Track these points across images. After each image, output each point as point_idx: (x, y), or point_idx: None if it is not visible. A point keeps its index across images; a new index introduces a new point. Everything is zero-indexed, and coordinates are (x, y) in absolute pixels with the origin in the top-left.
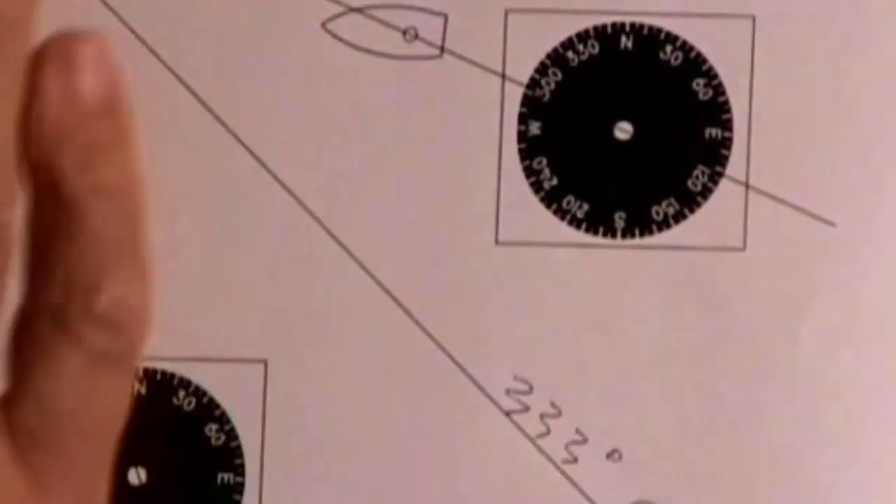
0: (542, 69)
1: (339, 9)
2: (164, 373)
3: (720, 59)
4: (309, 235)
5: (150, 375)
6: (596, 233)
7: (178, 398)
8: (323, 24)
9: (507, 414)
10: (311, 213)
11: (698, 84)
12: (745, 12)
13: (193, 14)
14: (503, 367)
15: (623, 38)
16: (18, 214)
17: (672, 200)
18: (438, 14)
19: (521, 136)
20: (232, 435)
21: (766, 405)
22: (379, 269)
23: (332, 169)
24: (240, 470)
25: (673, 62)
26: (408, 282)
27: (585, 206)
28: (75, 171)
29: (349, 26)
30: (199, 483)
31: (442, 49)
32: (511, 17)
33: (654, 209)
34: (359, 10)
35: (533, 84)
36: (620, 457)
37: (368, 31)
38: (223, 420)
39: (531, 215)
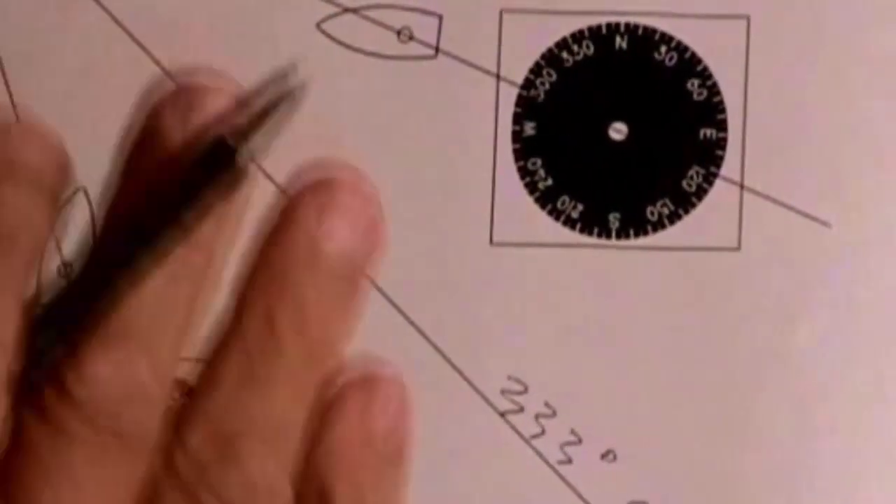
0: (536, 69)
1: (334, 9)
2: None
3: (715, 60)
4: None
5: None
6: (591, 233)
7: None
8: (317, 25)
9: (502, 414)
10: None
11: (693, 84)
12: (739, 13)
13: (187, 14)
14: (498, 368)
15: (618, 39)
16: None
17: (667, 201)
18: (433, 14)
19: (516, 137)
20: None
21: (761, 405)
22: (372, 269)
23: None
24: None
25: (668, 62)
26: (402, 281)
27: (580, 207)
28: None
29: (344, 26)
30: None
31: (437, 49)
32: (506, 18)
33: (648, 210)
34: (353, 11)
35: (528, 84)
36: (615, 457)
37: (363, 31)
38: None
39: (526, 216)
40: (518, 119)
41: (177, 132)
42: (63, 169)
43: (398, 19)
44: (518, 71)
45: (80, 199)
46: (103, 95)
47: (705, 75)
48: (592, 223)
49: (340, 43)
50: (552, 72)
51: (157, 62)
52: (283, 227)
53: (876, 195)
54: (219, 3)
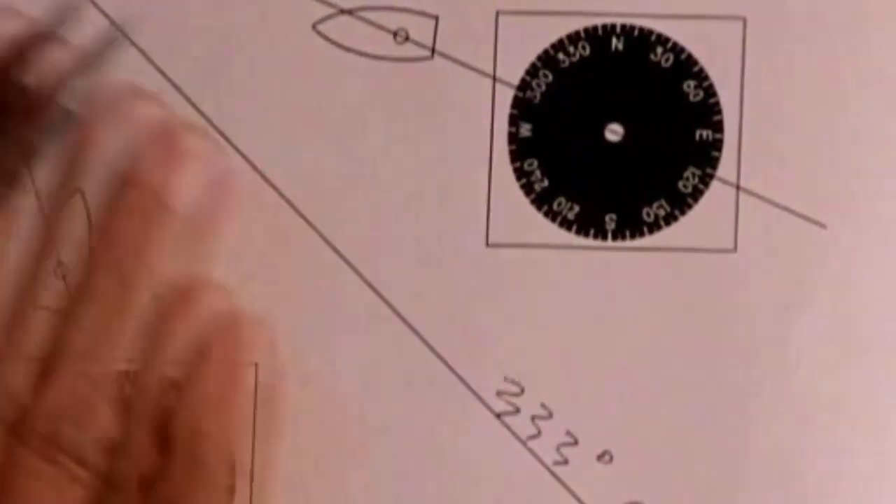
0: (532, 71)
1: (330, 10)
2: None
3: (711, 61)
4: (299, 237)
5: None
6: (587, 234)
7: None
8: (314, 26)
9: (498, 416)
10: (301, 215)
11: (689, 86)
12: (735, 14)
13: (184, 16)
14: (494, 369)
15: (614, 40)
16: None
17: (663, 202)
18: (429, 16)
19: (512, 138)
20: None
21: (757, 406)
22: (369, 271)
23: (322, 170)
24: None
25: (664, 64)
26: (398, 283)
27: (576, 208)
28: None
29: (340, 28)
30: None
31: (433, 51)
32: (502, 19)
33: (644, 211)
34: (349, 12)
35: (524, 86)
36: (611, 459)
37: (359, 32)
38: None
39: (522, 217)
40: (514, 120)
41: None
42: None
43: (394, 21)
44: (514, 72)
45: (78, 201)
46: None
47: (701, 76)
48: (588, 224)
49: (337, 44)
50: (548, 73)
51: (154, 63)
52: (126, 180)
53: (871, 196)
54: (216, 4)
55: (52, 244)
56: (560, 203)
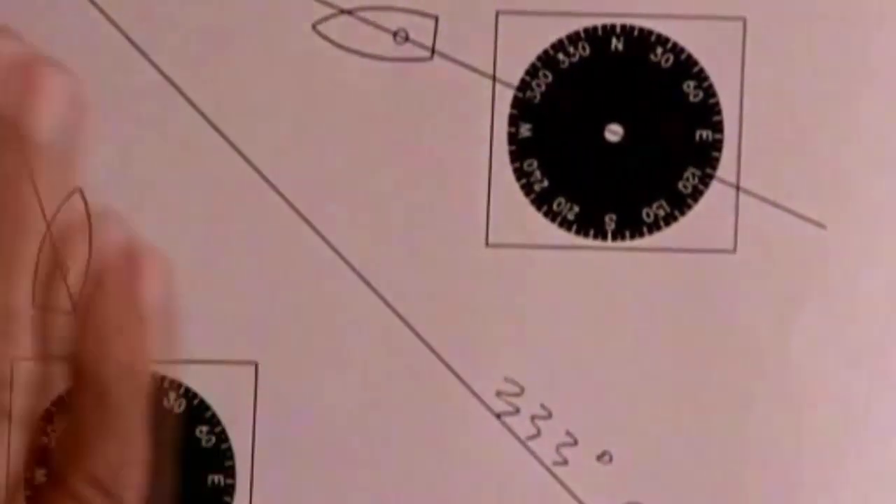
0: (532, 71)
1: (330, 10)
2: (153, 375)
3: (711, 61)
4: (299, 237)
5: None
6: (586, 235)
7: (168, 400)
8: (313, 26)
9: (498, 416)
10: (301, 215)
11: (689, 86)
12: (735, 14)
13: (184, 15)
14: (494, 370)
15: (614, 40)
16: None
17: (663, 202)
18: (429, 16)
19: (512, 138)
20: (222, 437)
21: (757, 407)
22: (369, 271)
23: (322, 170)
24: (230, 472)
25: (663, 64)
26: (398, 283)
27: (576, 208)
28: None
29: (340, 28)
30: (190, 485)
31: (433, 51)
32: (502, 19)
33: (644, 211)
34: (349, 12)
35: (523, 86)
36: (611, 459)
37: (359, 32)
38: (213, 422)
39: (522, 217)
40: (514, 121)
41: None
42: None
43: (394, 21)
44: (514, 72)
45: (77, 199)
46: (98, 97)
47: (701, 77)
48: (588, 225)
49: (336, 44)
50: (548, 73)
51: (154, 64)
52: None
53: (871, 197)
54: (215, 4)
55: None
56: (560, 203)
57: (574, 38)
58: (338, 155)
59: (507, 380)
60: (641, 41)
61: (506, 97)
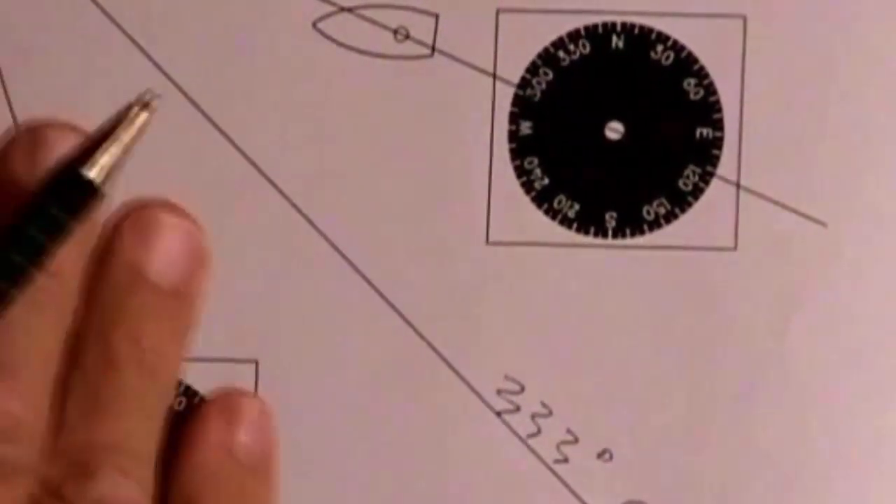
0: (533, 69)
1: (330, 8)
2: None
3: (711, 59)
4: (299, 235)
5: None
6: (587, 233)
7: None
8: (314, 24)
9: (498, 414)
10: (301, 213)
11: (689, 84)
12: (736, 12)
13: (184, 13)
14: (494, 367)
15: (614, 38)
16: None
17: (663, 200)
18: (429, 14)
19: (512, 136)
20: None
21: (757, 405)
22: (369, 269)
23: (322, 168)
24: None
25: (664, 62)
26: (398, 281)
27: (576, 206)
28: None
29: (340, 26)
30: None
31: (433, 49)
32: (502, 17)
33: (645, 209)
34: (349, 10)
35: (524, 84)
36: (611, 457)
37: (359, 30)
38: None
39: (522, 215)
40: (514, 118)
41: (25, 169)
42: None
43: (394, 18)
44: (514, 70)
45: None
46: (100, 95)
47: (702, 74)
48: (589, 222)
49: (336, 42)
50: (548, 71)
51: (154, 61)
52: (105, 258)
53: (872, 194)
54: (215, 2)
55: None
56: (560, 201)
57: (574, 36)
58: (338, 153)
59: (507, 378)
60: (642, 39)
61: (506, 95)
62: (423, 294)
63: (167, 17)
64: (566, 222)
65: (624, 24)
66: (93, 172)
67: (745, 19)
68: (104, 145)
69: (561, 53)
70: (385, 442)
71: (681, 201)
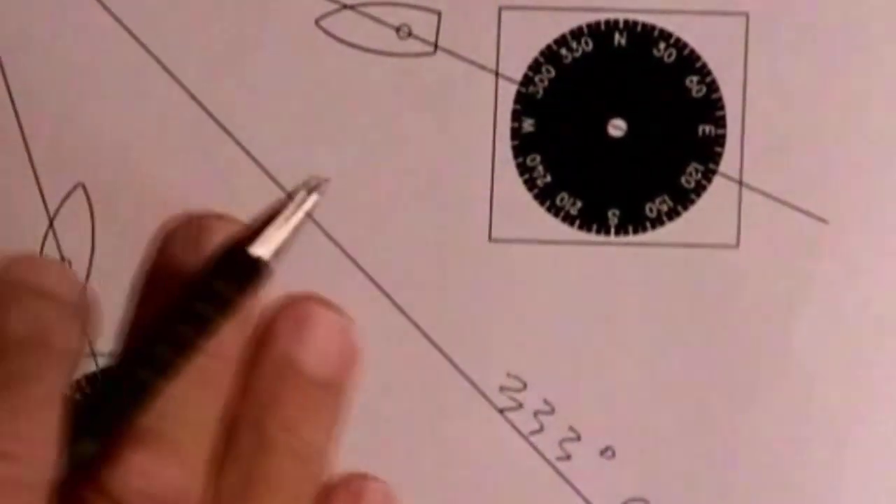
0: (535, 66)
1: (333, 6)
2: None
3: (714, 57)
4: (302, 232)
5: None
6: (589, 230)
7: None
8: (317, 21)
9: (501, 411)
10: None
11: (692, 81)
12: (738, 9)
13: (187, 12)
14: (497, 365)
15: (616, 36)
16: None
17: (665, 197)
18: (432, 11)
19: (515, 133)
20: None
21: (759, 401)
22: (372, 266)
23: (325, 165)
24: None
25: (666, 59)
26: (401, 278)
27: (579, 204)
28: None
29: (343, 23)
30: None
31: (435, 46)
32: (505, 15)
33: (647, 206)
34: (352, 7)
35: (526, 81)
36: (613, 454)
37: (362, 28)
38: None
39: (525, 212)
40: (517, 116)
41: (188, 255)
42: (86, 296)
43: (397, 16)
44: (517, 68)
45: (80, 195)
46: (102, 92)
47: (704, 72)
48: (591, 220)
49: (339, 39)
50: (551, 68)
51: (157, 59)
52: (260, 349)
53: (874, 192)
54: (218, 0)
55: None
56: (563, 198)
57: (577, 34)
58: (341, 150)
59: (509, 375)
60: (644, 36)
61: (509, 92)
62: (425, 291)
63: (170, 15)
64: (569, 219)
65: (626, 22)
66: (260, 250)
67: (747, 17)
68: (270, 227)
69: (563, 51)
70: (388, 439)
71: (683, 199)
